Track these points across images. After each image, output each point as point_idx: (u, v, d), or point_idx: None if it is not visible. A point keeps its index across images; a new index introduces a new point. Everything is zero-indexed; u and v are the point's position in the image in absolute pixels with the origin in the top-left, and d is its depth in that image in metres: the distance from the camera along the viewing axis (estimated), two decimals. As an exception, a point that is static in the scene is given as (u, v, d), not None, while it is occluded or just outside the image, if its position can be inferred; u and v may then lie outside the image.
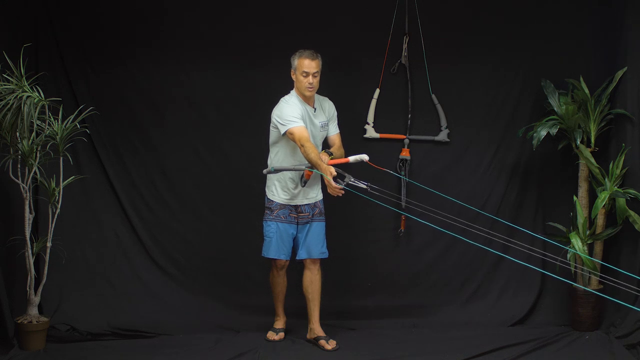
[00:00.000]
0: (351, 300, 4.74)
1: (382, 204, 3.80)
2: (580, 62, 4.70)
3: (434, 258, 4.81)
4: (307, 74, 4.05)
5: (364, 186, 3.69)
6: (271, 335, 4.30)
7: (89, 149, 4.60)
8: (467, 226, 3.61)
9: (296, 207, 4.21)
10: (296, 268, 4.34)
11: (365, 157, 4.01)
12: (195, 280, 4.73)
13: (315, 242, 4.22)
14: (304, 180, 4.10)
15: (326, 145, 4.33)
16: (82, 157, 4.60)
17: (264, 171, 4.07)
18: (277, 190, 4.20)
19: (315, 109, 4.19)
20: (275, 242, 4.19)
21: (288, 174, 4.13)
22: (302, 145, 3.92)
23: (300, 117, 4.04)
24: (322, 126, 4.22)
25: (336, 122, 4.33)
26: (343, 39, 4.69)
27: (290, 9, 4.69)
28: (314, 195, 4.23)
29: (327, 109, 4.28)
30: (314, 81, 4.08)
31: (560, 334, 4.35)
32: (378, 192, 3.67)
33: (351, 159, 4.03)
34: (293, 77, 4.13)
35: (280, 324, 4.39)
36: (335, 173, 3.81)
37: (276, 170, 4.02)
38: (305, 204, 4.22)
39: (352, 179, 3.74)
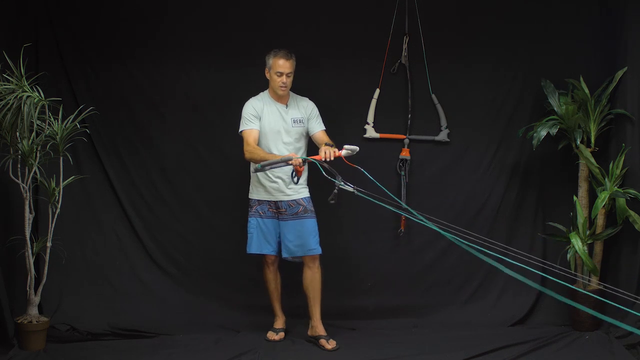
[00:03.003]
0: (351, 300, 4.74)
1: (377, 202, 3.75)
2: (580, 62, 4.70)
3: (434, 258, 4.81)
4: (280, 74, 4.14)
5: (351, 189, 3.45)
6: (271, 335, 4.30)
7: (89, 149, 4.60)
8: (464, 233, 3.60)
9: (275, 203, 4.23)
10: (296, 267, 4.34)
11: (356, 148, 3.88)
12: (196, 280, 4.73)
13: (293, 241, 4.20)
14: (296, 178, 3.94)
15: (314, 145, 4.29)
16: (82, 157, 4.60)
17: (252, 170, 4.06)
18: (253, 187, 4.29)
19: (287, 106, 4.25)
20: (257, 237, 4.24)
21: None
22: (246, 150, 4.09)
23: (255, 115, 4.17)
24: (294, 121, 4.24)
25: (319, 120, 4.33)
26: (343, 39, 4.68)
27: (290, 8, 4.69)
28: (292, 192, 4.22)
29: (305, 107, 4.30)
30: (287, 81, 4.17)
31: (560, 334, 4.35)
32: (377, 194, 3.63)
33: (343, 152, 3.89)
34: (267, 75, 4.22)
35: (279, 323, 4.39)
36: (298, 157, 3.83)
37: (263, 167, 3.90)
38: (283, 200, 4.22)
39: (342, 182, 3.61)
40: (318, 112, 4.35)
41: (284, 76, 4.14)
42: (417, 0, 4.63)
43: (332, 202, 3.50)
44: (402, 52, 4.68)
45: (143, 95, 4.68)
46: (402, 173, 4.72)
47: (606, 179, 4.40)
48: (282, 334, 4.33)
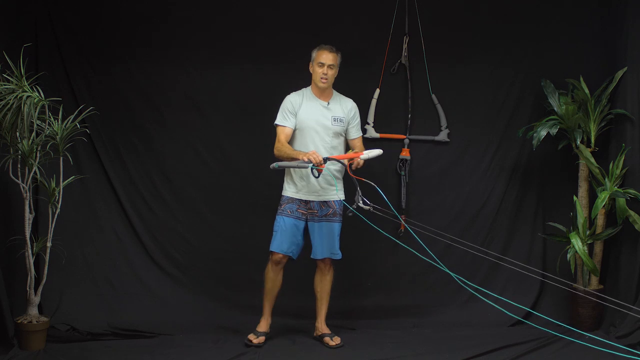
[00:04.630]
0: (351, 300, 4.74)
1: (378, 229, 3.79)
2: (580, 62, 4.71)
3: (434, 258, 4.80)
4: (322, 65, 4.12)
5: (367, 207, 3.63)
6: (251, 338, 4.15)
7: (89, 149, 4.60)
8: (459, 243, 3.64)
9: (306, 202, 4.20)
10: (301, 268, 4.34)
11: (379, 151, 3.97)
12: (195, 280, 4.73)
13: (321, 242, 4.20)
14: (316, 171, 3.93)
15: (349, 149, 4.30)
16: (82, 157, 4.60)
17: (270, 166, 4.04)
18: (285, 184, 4.25)
19: (329, 103, 4.21)
20: (279, 236, 4.18)
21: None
22: (275, 147, 4.10)
23: (291, 112, 4.14)
24: (334, 119, 4.20)
25: (359, 126, 4.33)
26: (343, 39, 4.67)
27: (291, 9, 4.69)
28: (324, 193, 4.19)
29: (348, 108, 4.27)
30: (329, 73, 4.13)
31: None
32: (380, 203, 3.65)
33: (363, 154, 3.96)
34: (310, 69, 4.21)
35: (263, 326, 4.24)
36: (319, 156, 3.86)
37: (280, 167, 3.93)
38: (314, 201, 4.19)
39: (361, 199, 3.66)
40: (359, 117, 4.32)
41: (326, 67, 4.11)
42: (417, 0, 4.64)
43: (350, 215, 3.75)
44: (402, 52, 4.68)
45: (143, 95, 4.68)
46: (402, 173, 4.72)
47: (606, 179, 4.40)
48: (262, 338, 4.15)
